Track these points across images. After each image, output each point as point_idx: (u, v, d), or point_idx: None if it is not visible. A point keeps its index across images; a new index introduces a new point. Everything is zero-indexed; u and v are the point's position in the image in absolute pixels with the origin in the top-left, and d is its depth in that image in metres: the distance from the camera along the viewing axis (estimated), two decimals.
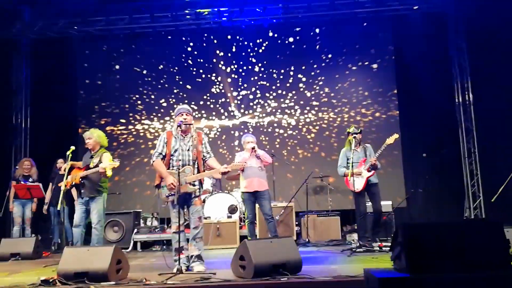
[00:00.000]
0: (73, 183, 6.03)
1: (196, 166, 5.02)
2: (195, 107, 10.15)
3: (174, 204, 4.90)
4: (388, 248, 5.92)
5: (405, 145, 9.54)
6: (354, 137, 6.62)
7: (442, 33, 9.76)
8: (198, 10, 9.72)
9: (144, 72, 10.54)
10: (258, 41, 10.49)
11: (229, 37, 10.52)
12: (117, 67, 10.62)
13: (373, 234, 6.54)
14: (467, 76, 9.57)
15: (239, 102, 10.41)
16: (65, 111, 10.22)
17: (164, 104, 10.46)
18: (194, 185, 4.96)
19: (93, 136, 6.20)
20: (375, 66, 10.23)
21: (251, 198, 6.44)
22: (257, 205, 6.63)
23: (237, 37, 10.53)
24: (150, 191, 9.68)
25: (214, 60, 10.50)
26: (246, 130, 10.08)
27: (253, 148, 6.45)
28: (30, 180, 8.08)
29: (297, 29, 10.38)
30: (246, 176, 6.46)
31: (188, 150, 4.99)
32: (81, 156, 6.40)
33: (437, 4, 9.53)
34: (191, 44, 10.57)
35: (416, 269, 3.51)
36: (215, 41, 10.56)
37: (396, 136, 6.56)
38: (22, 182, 7.94)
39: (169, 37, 10.51)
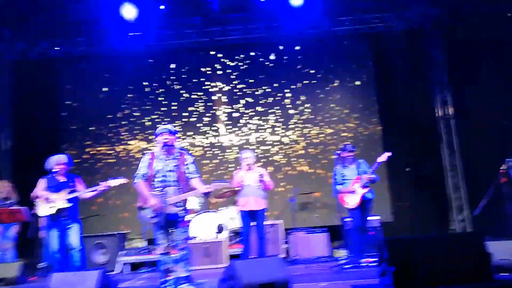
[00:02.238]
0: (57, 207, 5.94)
1: (179, 187, 4.98)
2: (179, 127, 10.15)
3: (158, 225, 4.86)
4: (376, 264, 5.96)
5: (388, 160, 9.62)
6: (349, 156, 6.65)
7: (421, 48, 9.95)
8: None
9: (127, 91, 10.53)
10: (240, 58, 10.58)
11: (212, 52, 10.60)
12: (99, 87, 10.58)
13: (360, 251, 6.56)
14: (447, 90, 9.73)
15: (223, 120, 10.45)
16: (48, 132, 10.13)
17: (148, 124, 10.44)
18: (177, 206, 4.91)
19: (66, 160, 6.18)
20: (356, 82, 10.39)
21: (248, 216, 6.41)
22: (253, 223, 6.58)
23: (219, 55, 10.61)
24: (134, 213, 9.58)
25: (198, 78, 10.55)
26: (232, 149, 10.10)
27: (249, 165, 6.41)
28: (8, 202, 7.92)
29: (280, 47, 10.52)
30: (243, 195, 6.43)
31: (171, 170, 4.95)
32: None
33: (415, 20, 9.74)
34: (174, 62, 10.61)
35: (402, 284, 3.56)
36: (199, 59, 10.62)
37: (387, 154, 6.61)
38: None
39: (151, 57, 10.55)
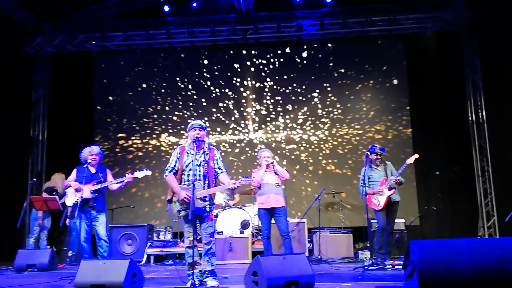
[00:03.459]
0: (82, 198, 6.10)
1: (207, 181, 5.04)
2: (208, 123, 10.30)
3: (186, 219, 4.95)
4: (401, 267, 5.91)
5: (417, 163, 9.50)
6: (378, 158, 6.62)
7: (455, 50, 9.81)
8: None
9: (160, 87, 10.75)
10: (271, 57, 10.64)
11: (244, 52, 10.69)
12: (133, 81, 10.83)
13: (386, 253, 6.53)
14: (481, 93, 9.55)
15: (252, 117, 10.52)
16: (82, 124, 10.42)
17: (178, 119, 10.62)
18: (204, 200, 4.98)
19: (98, 151, 6.36)
20: (387, 83, 10.30)
21: (267, 214, 6.43)
22: (272, 221, 6.60)
23: (252, 53, 10.69)
24: (163, 205, 9.79)
25: (228, 75, 10.66)
26: (259, 145, 10.17)
27: (269, 164, 6.43)
28: (54, 193, 8.23)
29: (309, 47, 10.51)
30: (263, 193, 6.45)
31: (200, 165, 5.03)
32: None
33: (450, 22, 9.59)
34: (206, 59, 10.75)
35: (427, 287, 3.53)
36: (230, 57, 10.73)
37: (416, 156, 6.54)
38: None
39: (184, 53, 10.71)
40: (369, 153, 6.66)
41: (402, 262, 4.12)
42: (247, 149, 10.42)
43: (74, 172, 6.35)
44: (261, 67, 10.65)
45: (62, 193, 8.14)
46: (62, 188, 8.13)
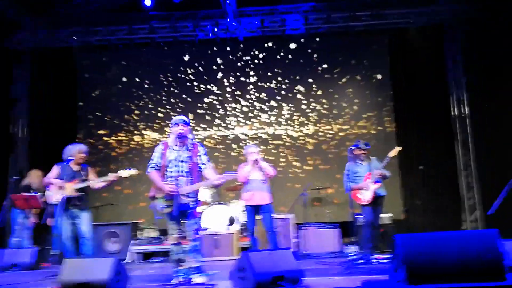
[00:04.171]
0: (65, 196, 6.00)
1: (191, 177, 5.00)
2: (192, 118, 10.23)
3: (170, 215, 4.90)
4: (387, 261, 5.95)
5: (402, 158, 9.58)
6: (362, 153, 6.63)
7: (438, 45, 9.88)
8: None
9: (143, 82, 10.64)
10: (255, 53, 10.59)
11: (228, 49, 10.62)
12: (116, 77, 10.70)
13: (371, 247, 6.55)
14: (463, 88, 9.65)
15: (236, 113, 10.48)
16: (64, 121, 10.26)
17: (162, 115, 10.52)
18: (189, 196, 4.94)
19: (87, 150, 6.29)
20: (372, 78, 10.35)
21: (253, 211, 6.42)
22: (260, 217, 6.58)
23: (235, 49, 10.63)
24: (147, 202, 9.68)
25: (212, 71, 10.60)
26: (244, 141, 10.14)
27: (255, 160, 6.41)
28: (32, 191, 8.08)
29: (293, 42, 10.49)
30: (248, 189, 6.42)
31: (183, 161, 4.98)
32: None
33: (433, 18, 9.64)
34: (189, 55, 10.66)
35: (414, 280, 3.56)
36: (213, 52, 10.66)
37: (398, 148, 6.55)
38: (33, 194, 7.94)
39: (167, 48, 10.60)
40: (353, 148, 6.67)
41: (387, 256, 4.14)
42: (233, 145, 10.37)
43: (55, 168, 6.23)
44: (245, 62, 10.60)
45: (42, 190, 8.01)
46: (38, 185, 8.01)
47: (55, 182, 6.11)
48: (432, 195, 9.44)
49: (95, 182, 6.16)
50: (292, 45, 10.53)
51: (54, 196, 6.15)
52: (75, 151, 6.15)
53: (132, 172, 6.07)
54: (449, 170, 9.58)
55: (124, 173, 6.03)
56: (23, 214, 7.96)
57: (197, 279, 4.79)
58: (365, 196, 6.48)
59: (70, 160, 6.08)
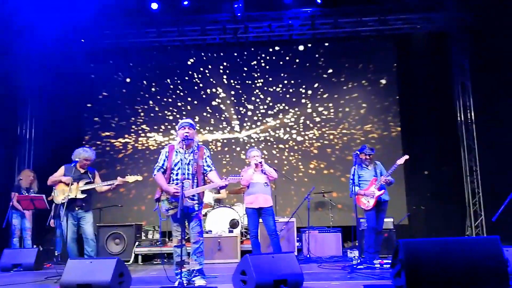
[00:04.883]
0: (68, 197, 6.03)
1: (195, 180, 5.01)
2: (198, 121, 10.25)
3: (174, 217, 4.92)
4: (389, 266, 5.93)
5: (407, 162, 9.50)
6: (367, 158, 6.62)
7: (445, 51, 9.87)
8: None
9: (149, 85, 10.68)
10: (262, 57, 10.62)
11: (235, 54, 10.66)
12: (123, 80, 10.75)
13: (375, 252, 6.54)
14: (469, 94, 9.62)
15: (242, 116, 10.50)
16: (71, 122, 10.30)
17: (168, 118, 10.56)
18: (192, 199, 4.96)
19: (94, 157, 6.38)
20: (377, 83, 10.34)
21: (255, 214, 6.42)
22: (260, 220, 6.60)
23: (242, 53, 10.66)
24: (151, 204, 9.70)
25: (218, 75, 10.63)
26: (249, 145, 10.15)
27: (258, 164, 6.42)
28: (31, 191, 8.13)
29: (301, 46, 10.50)
30: (251, 192, 6.43)
31: (188, 164, 5.00)
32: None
33: (440, 24, 9.65)
34: (196, 58, 10.70)
35: (415, 286, 3.54)
36: (220, 56, 10.70)
37: (406, 157, 6.57)
38: (25, 194, 7.98)
39: (175, 51, 10.65)
40: (359, 152, 6.67)
41: (390, 261, 4.13)
42: (237, 148, 10.39)
43: (62, 169, 6.30)
44: (251, 66, 10.63)
45: (36, 191, 8.07)
46: (26, 184, 8.10)
47: (64, 180, 6.17)
48: (436, 201, 9.38)
49: (101, 185, 6.24)
50: (299, 50, 10.54)
51: (58, 197, 6.20)
52: (81, 155, 6.22)
53: (138, 178, 6.22)
54: (454, 175, 9.54)
55: (130, 178, 6.19)
56: (17, 214, 8.01)
57: (199, 281, 4.80)
58: (369, 202, 6.50)
59: (76, 162, 6.14)
